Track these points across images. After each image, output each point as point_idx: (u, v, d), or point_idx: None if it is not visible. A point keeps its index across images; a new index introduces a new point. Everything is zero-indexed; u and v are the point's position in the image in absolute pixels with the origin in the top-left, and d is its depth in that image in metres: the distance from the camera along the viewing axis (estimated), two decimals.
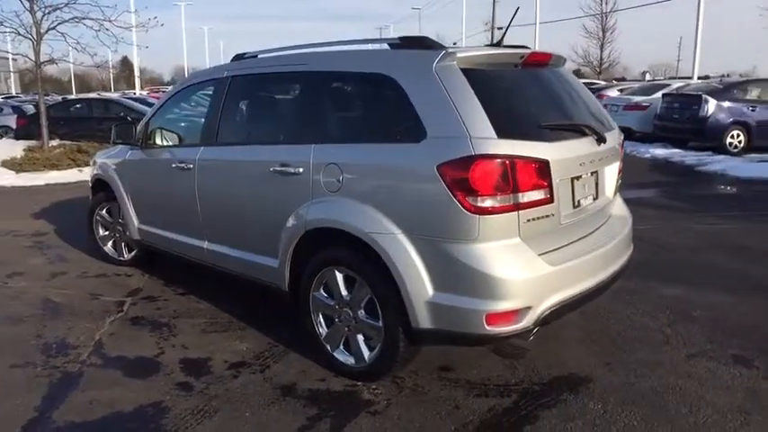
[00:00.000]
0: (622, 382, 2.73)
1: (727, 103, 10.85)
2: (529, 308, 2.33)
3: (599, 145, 2.74)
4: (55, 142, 11.80)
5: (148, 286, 4.25)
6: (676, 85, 14.79)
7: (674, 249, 4.94)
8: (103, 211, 4.78)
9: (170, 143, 3.91)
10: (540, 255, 2.39)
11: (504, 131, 2.30)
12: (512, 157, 2.28)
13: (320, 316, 2.92)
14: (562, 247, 2.55)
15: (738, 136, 10.86)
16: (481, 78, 2.44)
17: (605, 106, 14.22)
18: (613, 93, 16.30)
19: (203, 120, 3.60)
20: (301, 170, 2.82)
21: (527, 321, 2.35)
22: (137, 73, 31.72)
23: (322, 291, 2.87)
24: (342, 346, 2.84)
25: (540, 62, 2.75)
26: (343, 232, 2.63)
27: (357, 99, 2.83)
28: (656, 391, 2.66)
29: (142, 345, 3.25)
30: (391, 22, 68.67)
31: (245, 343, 3.24)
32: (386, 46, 2.76)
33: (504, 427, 2.40)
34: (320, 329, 2.92)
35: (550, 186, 2.40)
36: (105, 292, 4.15)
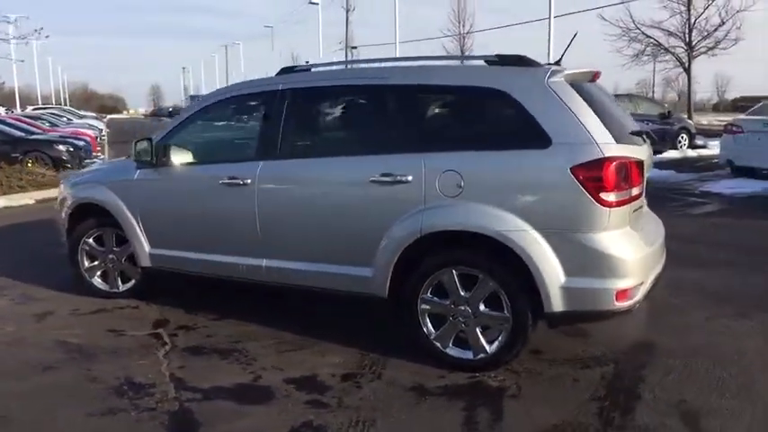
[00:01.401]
0: (677, 341, 3.30)
1: None
2: (642, 283, 2.78)
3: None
4: None
5: (171, 316, 3.90)
6: None
7: None
8: (91, 240, 4.24)
9: (203, 160, 3.68)
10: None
11: (615, 137, 2.74)
12: (628, 159, 2.72)
13: (427, 317, 3.05)
14: (641, 234, 3.05)
15: None
16: (580, 92, 2.85)
17: None
18: None
19: (257, 133, 3.49)
20: (410, 178, 2.94)
21: (640, 295, 2.79)
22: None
23: (429, 293, 3.02)
24: (452, 343, 3.02)
25: (596, 78, 3.26)
26: (467, 233, 2.83)
27: (467, 111, 3.03)
28: (705, 344, 3.29)
29: (228, 372, 3.05)
30: (239, 39, 67.86)
31: (333, 356, 3.21)
32: (482, 62, 3.05)
33: (626, 388, 2.79)
34: (428, 330, 3.05)
35: (643, 182, 2.89)
36: (125, 327, 3.72)
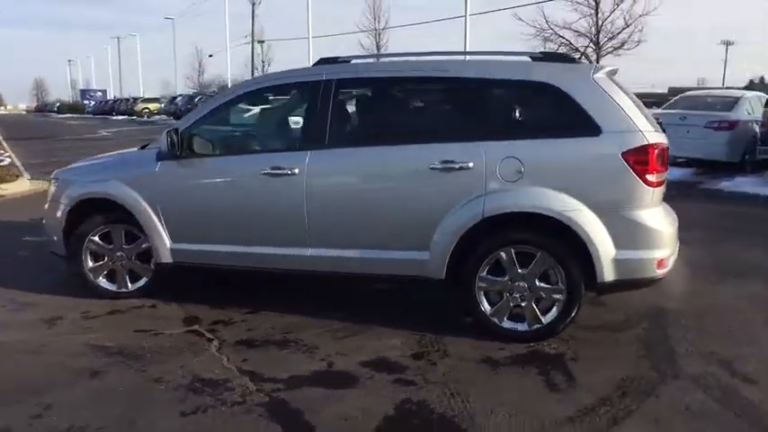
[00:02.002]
0: (684, 305, 3.78)
1: None
2: (673, 253, 3.19)
3: None
4: None
5: (198, 313, 3.75)
6: None
7: None
8: (96, 238, 3.94)
9: (237, 150, 3.58)
10: None
11: (652, 125, 3.11)
12: (664, 144, 3.10)
13: (482, 295, 3.26)
14: (667, 211, 3.47)
15: None
16: (617, 85, 3.20)
17: None
18: None
19: (302, 123, 3.46)
20: (471, 165, 3.12)
21: (671, 264, 3.21)
22: None
23: (486, 272, 3.22)
24: (507, 318, 3.25)
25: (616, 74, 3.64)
26: (527, 214, 3.07)
27: (523, 103, 3.25)
28: (706, 305, 3.81)
29: (297, 362, 3.05)
30: (135, 31, 63.62)
31: (390, 339, 3.31)
32: (527, 58, 3.29)
33: (661, 346, 3.20)
34: (484, 307, 3.25)
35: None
36: (155, 326, 3.53)
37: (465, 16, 24.16)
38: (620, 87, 3.23)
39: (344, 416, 2.52)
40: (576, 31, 21.10)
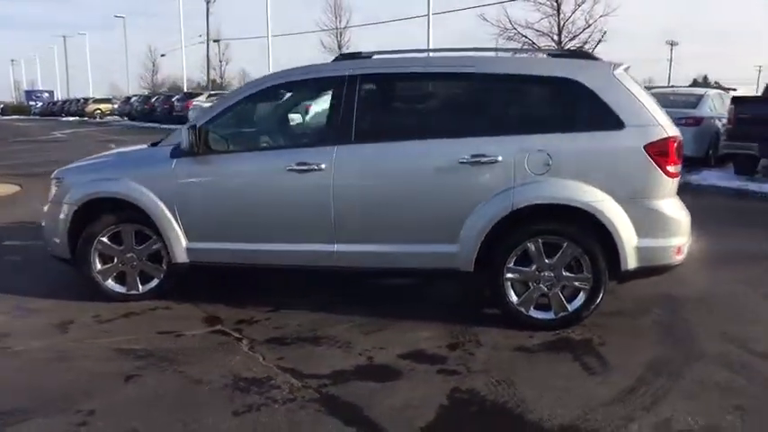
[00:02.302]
0: (686, 291, 3.99)
1: None
2: (688, 241, 3.37)
3: None
4: None
5: (217, 312, 3.67)
6: None
7: None
8: (105, 239, 3.78)
9: (258, 147, 3.53)
10: None
11: (668, 119, 3.27)
12: (681, 138, 3.27)
13: (510, 285, 3.35)
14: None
15: None
16: (634, 81, 3.35)
17: None
18: None
19: (327, 118, 3.44)
20: (500, 158, 3.20)
21: (686, 251, 3.39)
22: None
23: (513, 263, 3.31)
24: (533, 307, 3.35)
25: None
26: (555, 206, 3.17)
27: (548, 98, 3.35)
28: (705, 290, 4.04)
29: (336, 358, 3.05)
30: (85, 30, 60.78)
31: (420, 332, 3.35)
32: (544, 55, 3.39)
33: (678, 329, 3.38)
34: (512, 297, 3.34)
35: None
36: (177, 327, 3.44)
37: (428, 15, 24.32)
38: (636, 83, 3.38)
39: (401, 407, 2.55)
40: (538, 31, 21.79)
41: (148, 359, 3.02)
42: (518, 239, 3.27)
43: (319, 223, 3.46)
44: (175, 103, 25.25)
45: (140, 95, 34.92)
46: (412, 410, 2.52)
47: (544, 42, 21.99)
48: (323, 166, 3.38)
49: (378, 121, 3.47)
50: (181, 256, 3.70)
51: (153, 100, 28.61)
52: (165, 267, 3.83)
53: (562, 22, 21.07)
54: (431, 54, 3.56)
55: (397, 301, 3.95)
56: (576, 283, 3.30)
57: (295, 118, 3.87)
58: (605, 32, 20.94)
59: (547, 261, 3.27)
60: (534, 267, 3.30)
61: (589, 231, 3.21)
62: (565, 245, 3.24)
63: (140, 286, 3.87)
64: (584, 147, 3.21)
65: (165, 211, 3.64)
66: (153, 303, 3.82)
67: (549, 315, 3.35)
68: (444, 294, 4.07)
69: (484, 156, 3.23)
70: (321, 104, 4.32)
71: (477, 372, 2.87)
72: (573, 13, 21.16)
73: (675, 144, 3.18)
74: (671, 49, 55.16)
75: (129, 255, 3.81)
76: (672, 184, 3.22)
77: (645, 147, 3.14)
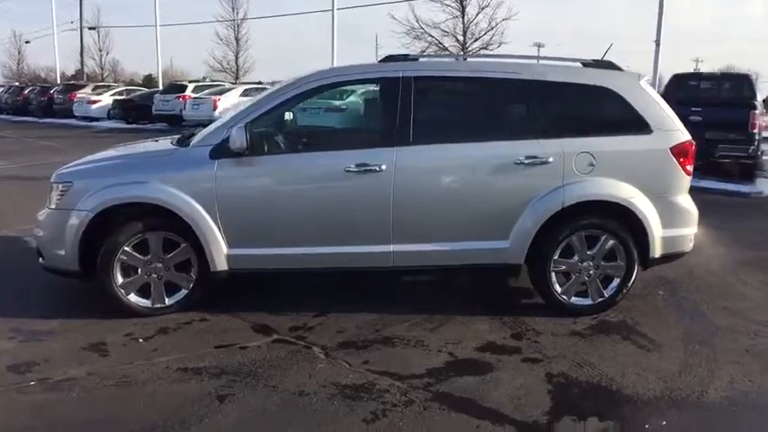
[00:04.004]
0: (677, 273, 4.52)
1: None
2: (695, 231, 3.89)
3: None
4: None
5: (266, 321, 3.50)
6: None
7: None
8: (129, 248, 3.40)
9: (310, 147, 3.41)
10: None
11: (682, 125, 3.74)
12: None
13: (554, 276, 3.61)
14: None
15: None
16: (654, 90, 3.78)
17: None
18: None
19: (380, 119, 3.42)
20: (551, 159, 3.44)
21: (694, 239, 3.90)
22: None
23: (558, 255, 3.58)
24: (574, 295, 3.66)
25: None
26: (601, 202, 3.48)
27: (588, 103, 3.61)
28: (692, 271, 4.64)
29: (422, 356, 3.09)
30: None
31: (476, 325, 3.50)
32: (578, 64, 3.69)
33: (687, 306, 3.88)
34: (556, 288, 3.62)
35: None
36: (232, 340, 3.24)
37: (332, 10, 24.25)
38: (655, 92, 3.83)
39: (513, 395, 2.69)
40: (444, 31, 22.79)
41: (226, 376, 2.82)
42: (565, 233, 3.55)
43: (377, 224, 3.45)
44: (56, 96, 22.50)
45: (10, 86, 30.41)
46: (525, 397, 2.68)
47: (449, 42, 23.15)
48: (383, 167, 3.38)
49: (433, 122, 3.54)
50: (221, 264, 3.46)
51: (27, 91, 25.13)
52: (194, 276, 3.56)
53: (467, 24, 22.40)
54: (473, 60, 3.69)
55: (430, 297, 4.05)
56: (611, 272, 3.66)
57: (342, 117, 3.78)
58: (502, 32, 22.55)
59: (588, 252, 3.61)
60: (576, 258, 3.61)
61: (624, 224, 3.59)
62: (604, 237, 3.59)
63: (166, 299, 3.56)
64: (621, 148, 3.57)
65: (206, 217, 3.38)
66: (183, 316, 3.52)
67: (588, 301, 3.68)
68: (472, 288, 4.26)
69: (537, 157, 3.45)
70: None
71: (556, 357, 3.10)
72: (476, 15, 22.58)
73: (692, 147, 3.67)
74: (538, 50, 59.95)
75: (156, 265, 3.48)
76: (688, 181, 3.71)
77: (670, 149, 3.58)
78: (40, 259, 3.70)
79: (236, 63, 33.89)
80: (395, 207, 3.43)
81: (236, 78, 33.73)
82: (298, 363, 2.99)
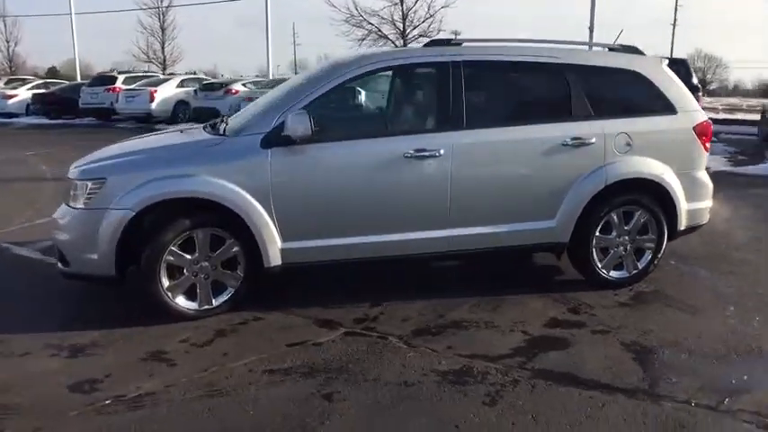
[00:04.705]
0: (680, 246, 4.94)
1: None
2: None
3: None
4: None
5: (325, 315, 3.37)
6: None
7: None
8: (176, 248, 3.13)
9: (365, 134, 3.31)
10: None
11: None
12: None
13: (595, 252, 3.77)
14: None
15: None
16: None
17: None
18: (239, 87, 17.71)
19: (436, 104, 3.38)
20: (594, 140, 3.57)
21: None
22: None
23: (599, 232, 3.74)
24: (612, 268, 3.84)
25: None
26: (641, 180, 3.67)
27: (622, 86, 3.74)
28: (677, 247, 5.03)
29: (499, 337, 3.13)
30: None
31: (533, 304, 3.58)
32: (605, 49, 3.85)
33: (700, 274, 4.20)
34: (597, 263, 3.78)
35: None
36: (303, 337, 3.08)
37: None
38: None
39: (606, 365, 2.81)
40: (383, 18, 22.68)
41: (319, 374, 2.70)
42: (605, 210, 3.72)
43: (435, 209, 3.43)
44: None
45: None
46: (616, 367, 2.79)
47: (388, 30, 23.11)
48: (441, 152, 3.35)
49: (483, 106, 3.54)
50: (275, 259, 3.28)
51: None
52: (241, 274, 3.35)
53: (406, 12, 22.47)
54: (513, 44, 3.74)
55: (471, 280, 4.07)
56: (645, 244, 3.89)
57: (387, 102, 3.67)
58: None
59: (625, 228, 3.80)
60: (614, 234, 3.80)
61: (655, 199, 3.82)
62: (639, 212, 3.79)
63: (213, 299, 3.32)
64: (652, 128, 3.78)
65: (261, 210, 3.19)
66: (233, 316, 3.31)
67: (624, 274, 3.88)
68: (503, 269, 4.35)
69: (581, 138, 3.58)
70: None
71: (619, 327, 3.25)
72: (416, 3, 22.66)
73: (711, 126, 3.96)
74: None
75: (203, 264, 3.24)
76: (707, 157, 4.00)
77: (693, 128, 3.85)
78: (60, 265, 3.32)
79: (163, 53, 31.90)
80: (452, 191, 3.42)
81: (164, 69, 31.81)
82: (382, 354, 2.92)
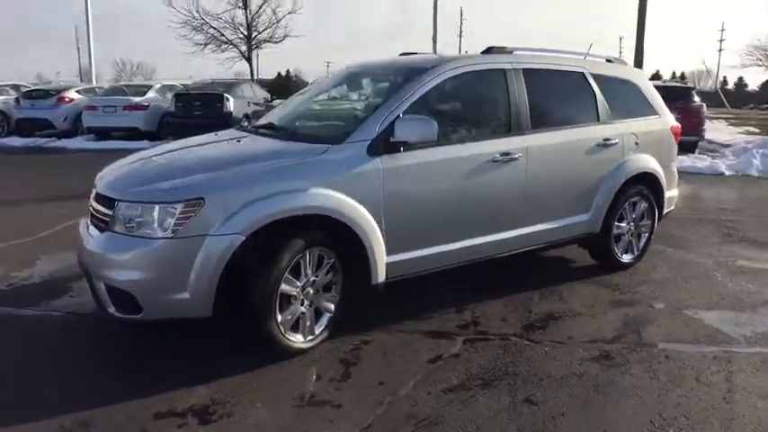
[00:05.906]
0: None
1: None
2: None
3: None
4: None
5: (425, 327, 3.21)
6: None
7: None
8: (289, 274, 2.69)
9: (456, 138, 3.30)
10: None
11: None
12: None
13: (612, 239, 4.27)
14: None
15: None
16: None
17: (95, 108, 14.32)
18: (73, 94, 15.41)
19: (508, 108, 3.49)
20: (616, 141, 4.06)
21: None
22: None
23: (617, 221, 4.25)
24: (624, 252, 4.39)
25: None
26: (646, 173, 4.25)
27: (625, 93, 4.26)
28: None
29: (587, 324, 3.36)
30: None
31: (583, 290, 3.89)
32: (603, 60, 4.39)
33: (686, 249, 4.96)
34: (616, 250, 4.28)
35: None
36: (430, 353, 2.90)
37: None
38: None
39: (671, 336, 3.20)
40: (227, 22, 21.37)
41: (496, 383, 2.62)
42: (623, 202, 4.24)
43: (514, 210, 3.54)
44: None
45: None
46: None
47: (231, 35, 21.85)
48: (518, 154, 3.48)
49: (540, 110, 3.73)
50: (381, 275, 3.03)
51: None
52: (337, 296, 3.04)
53: (251, 17, 21.47)
54: (548, 54, 4.03)
55: (511, 276, 4.13)
56: (643, 229, 4.51)
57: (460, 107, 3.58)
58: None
59: (633, 216, 4.39)
60: (625, 222, 4.35)
61: (652, 190, 4.48)
62: (641, 202, 4.41)
63: (315, 329, 2.94)
64: (649, 129, 4.41)
65: (373, 223, 2.93)
66: (339, 344, 2.97)
67: (631, 256, 4.45)
68: (523, 263, 4.53)
69: (610, 139, 4.03)
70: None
71: (650, 297, 3.77)
72: (260, 7, 21.81)
73: (679, 126, 4.78)
74: None
75: (308, 290, 2.85)
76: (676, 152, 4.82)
77: (671, 128, 4.61)
78: (115, 312, 2.62)
79: None
80: (527, 192, 3.58)
81: None
82: (523, 353, 2.94)
